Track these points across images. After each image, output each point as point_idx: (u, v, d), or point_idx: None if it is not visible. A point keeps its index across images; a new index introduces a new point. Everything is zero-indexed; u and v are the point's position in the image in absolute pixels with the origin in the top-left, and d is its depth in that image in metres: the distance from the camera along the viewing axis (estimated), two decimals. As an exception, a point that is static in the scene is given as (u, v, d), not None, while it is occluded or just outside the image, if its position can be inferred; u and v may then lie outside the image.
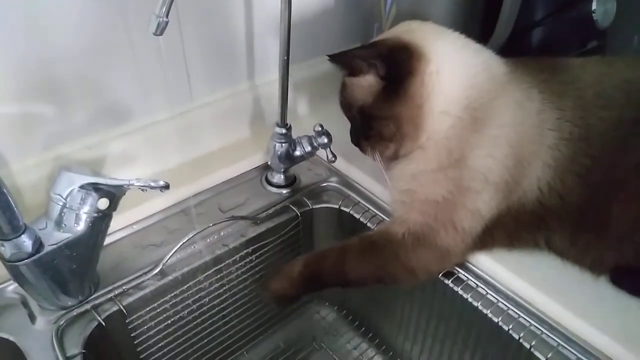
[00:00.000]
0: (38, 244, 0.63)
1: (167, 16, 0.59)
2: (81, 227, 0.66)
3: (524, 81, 0.72)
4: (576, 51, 0.99)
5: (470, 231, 0.72)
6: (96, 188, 0.65)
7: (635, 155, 0.67)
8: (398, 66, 0.70)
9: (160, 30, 0.60)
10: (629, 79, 0.71)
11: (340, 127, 0.89)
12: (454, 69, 0.71)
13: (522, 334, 0.69)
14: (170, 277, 0.76)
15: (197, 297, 0.81)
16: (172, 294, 0.77)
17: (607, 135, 0.68)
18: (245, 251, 0.84)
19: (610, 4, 0.99)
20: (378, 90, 0.72)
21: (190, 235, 0.78)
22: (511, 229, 0.73)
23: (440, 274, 0.76)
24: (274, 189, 0.92)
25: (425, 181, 0.73)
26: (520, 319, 0.71)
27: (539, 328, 0.70)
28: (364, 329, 1.02)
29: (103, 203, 0.67)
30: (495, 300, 0.73)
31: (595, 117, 0.68)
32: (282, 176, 0.92)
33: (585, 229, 0.70)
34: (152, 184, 0.64)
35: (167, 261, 0.76)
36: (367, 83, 0.73)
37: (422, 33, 0.74)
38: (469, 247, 0.73)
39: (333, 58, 0.73)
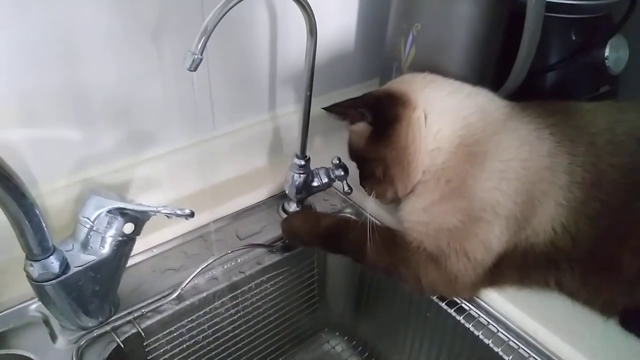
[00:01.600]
0: (64, 265, 0.65)
1: (201, 54, 0.63)
2: (106, 250, 0.68)
3: (532, 122, 0.74)
4: (588, 95, 1.01)
5: (481, 262, 0.73)
6: (122, 213, 0.68)
7: (645, 202, 0.69)
8: (384, 113, 0.78)
9: (195, 66, 0.63)
10: (638, 126, 0.73)
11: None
12: (442, 112, 0.77)
13: (532, 374, 0.70)
14: (187, 302, 0.78)
15: (212, 322, 0.82)
16: (189, 319, 0.79)
17: (618, 181, 0.69)
18: (260, 279, 0.86)
19: (623, 51, 1.02)
20: (368, 135, 0.80)
21: (209, 262, 0.80)
22: (521, 267, 0.74)
23: (452, 308, 0.78)
24: (290, 218, 0.94)
25: (437, 213, 0.76)
26: (531, 359, 0.72)
27: (549, 368, 0.71)
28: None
29: (129, 227, 0.69)
30: (505, 339, 0.74)
31: (606, 163, 0.70)
32: (298, 206, 0.94)
33: (596, 271, 0.71)
34: (179, 212, 0.67)
35: (185, 286, 0.78)
36: (359, 129, 0.81)
37: (411, 83, 0.81)
38: (480, 280, 0.75)
39: (329, 109, 0.80)
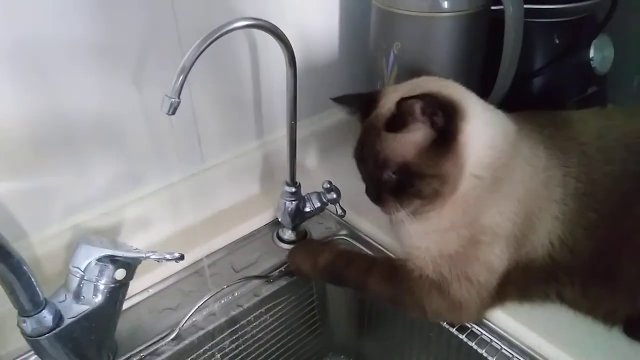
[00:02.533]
0: (58, 318, 0.64)
1: (178, 97, 0.62)
2: (99, 298, 0.67)
3: (531, 138, 0.73)
4: (576, 97, 1.01)
5: (486, 285, 0.72)
6: (113, 260, 0.67)
7: (639, 208, 0.68)
8: (452, 121, 0.68)
9: (173, 110, 0.63)
10: (628, 131, 0.72)
11: (348, 180, 0.91)
12: (482, 129, 0.71)
13: (539, 390, 0.69)
14: (186, 342, 0.77)
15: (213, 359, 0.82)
16: (189, 358, 0.78)
17: (611, 190, 0.69)
18: (259, 311, 0.85)
19: (608, 50, 1.02)
20: (426, 146, 0.68)
21: (205, 299, 0.80)
22: (521, 283, 0.73)
23: (454, 327, 0.77)
24: (285, 246, 0.93)
25: (438, 239, 0.73)
26: (536, 374, 0.71)
27: (555, 383, 0.70)
28: (380, 380, 1.02)
29: (120, 274, 0.68)
30: (510, 355, 0.73)
31: (599, 172, 0.70)
32: (292, 232, 0.93)
33: (596, 281, 0.70)
34: (168, 257, 0.66)
35: (183, 325, 0.77)
36: (413, 138, 0.69)
37: (456, 90, 0.73)
38: (486, 303, 0.74)
39: (404, 101, 0.67)
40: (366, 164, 0.74)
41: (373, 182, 0.74)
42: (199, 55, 0.63)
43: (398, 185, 0.71)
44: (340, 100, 0.80)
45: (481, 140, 0.70)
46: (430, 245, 0.74)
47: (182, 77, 0.63)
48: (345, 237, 0.95)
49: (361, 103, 0.78)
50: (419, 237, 0.75)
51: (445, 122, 0.67)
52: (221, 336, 0.81)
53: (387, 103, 0.73)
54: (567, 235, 0.70)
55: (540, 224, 0.71)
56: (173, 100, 0.62)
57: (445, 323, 0.78)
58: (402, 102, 0.67)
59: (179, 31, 0.78)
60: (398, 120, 0.69)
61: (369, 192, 0.75)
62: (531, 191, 0.71)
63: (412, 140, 0.69)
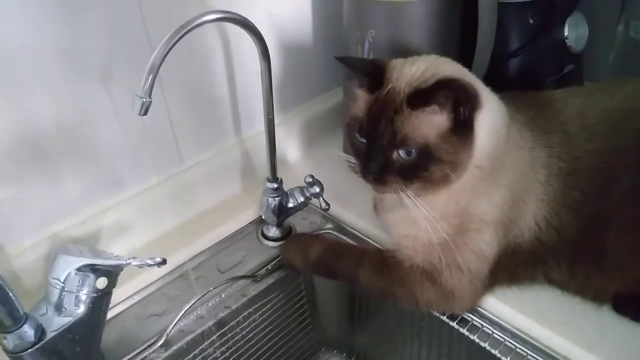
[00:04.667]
0: (40, 332, 0.63)
1: (149, 96, 0.60)
2: (82, 309, 0.65)
3: (517, 120, 0.73)
4: (553, 77, 1.00)
5: (477, 273, 0.72)
6: (93, 268, 0.65)
7: (622, 184, 0.68)
8: (472, 106, 0.65)
9: (145, 110, 0.61)
10: (607, 107, 0.72)
11: (331, 172, 0.90)
12: (488, 117, 0.68)
13: (533, 372, 0.69)
14: (175, 347, 0.76)
15: (203, 364, 0.80)
16: (179, 365, 0.77)
17: (594, 167, 0.69)
18: (248, 311, 0.83)
19: (582, 28, 1.01)
20: (445, 130, 0.65)
21: (192, 302, 0.78)
22: (509, 267, 0.73)
23: (445, 315, 0.77)
24: (270, 243, 0.91)
25: (426, 227, 0.70)
26: (529, 357, 0.71)
27: (549, 364, 0.70)
28: (374, 372, 1.02)
29: (102, 282, 0.67)
30: (502, 340, 0.73)
31: (581, 150, 0.70)
32: (277, 229, 0.92)
33: (583, 261, 0.70)
34: (150, 262, 0.64)
35: (170, 331, 0.75)
36: (438, 121, 0.65)
37: (469, 75, 0.70)
38: (478, 291, 0.73)
39: (427, 92, 0.64)
40: (377, 139, 0.66)
41: (378, 160, 0.67)
42: (168, 52, 0.61)
43: (409, 166, 0.66)
44: (344, 60, 0.73)
45: (486, 129, 0.67)
46: (419, 234, 0.73)
47: (151, 75, 0.61)
48: (331, 231, 0.94)
49: (368, 68, 0.71)
50: (407, 225, 0.74)
51: (469, 111, 0.65)
52: (210, 339, 0.80)
53: (404, 77, 0.67)
54: (552, 216, 0.70)
55: (526, 206, 0.70)
56: (144, 100, 0.60)
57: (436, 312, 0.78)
58: (442, 83, 0.64)
59: (147, 29, 0.76)
60: (424, 99, 0.64)
61: (368, 169, 0.68)
62: (519, 175, 0.70)
63: (436, 122, 0.65)
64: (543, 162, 0.70)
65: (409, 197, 0.67)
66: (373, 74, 0.69)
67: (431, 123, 0.65)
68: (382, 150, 0.66)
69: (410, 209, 0.69)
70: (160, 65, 0.61)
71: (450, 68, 0.69)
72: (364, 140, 0.68)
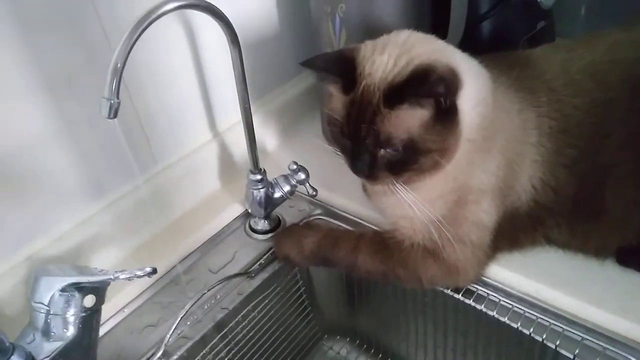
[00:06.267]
0: (30, 361, 0.59)
1: (117, 97, 0.56)
2: (71, 331, 0.61)
3: (501, 82, 0.70)
4: (527, 34, 0.99)
5: (479, 244, 0.70)
6: (78, 287, 0.61)
7: (615, 136, 0.67)
8: (453, 93, 0.62)
9: (114, 112, 0.56)
10: (590, 61, 0.71)
11: (313, 156, 0.87)
12: (471, 89, 0.65)
13: (544, 335, 0.68)
14: (175, 356, 0.73)
15: (206, 369, 0.77)
16: (181, 374, 0.73)
17: (584, 122, 0.68)
18: (246, 309, 0.81)
19: (551, -17, 1.00)
20: (428, 120, 0.62)
21: (187, 308, 0.74)
22: (509, 233, 0.72)
23: (449, 288, 0.75)
24: (260, 237, 0.88)
25: (426, 207, 0.68)
26: (539, 320, 0.70)
27: (559, 326, 0.69)
28: (381, 355, 1.00)
29: (89, 300, 0.62)
30: (509, 306, 0.72)
31: (569, 107, 0.68)
32: (265, 222, 0.88)
33: (582, 218, 0.70)
34: (139, 273, 0.60)
35: (168, 341, 0.72)
36: (419, 113, 0.62)
37: (447, 52, 0.67)
38: (482, 262, 0.72)
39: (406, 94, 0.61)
40: (361, 143, 0.65)
41: (365, 160, 0.66)
42: (130, 49, 0.56)
43: (398, 161, 0.65)
44: (310, 64, 0.69)
45: (472, 102, 0.65)
46: (416, 214, 0.70)
47: (116, 77, 0.56)
48: (321, 217, 0.91)
49: (338, 66, 0.67)
50: (404, 207, 0.70)
51: (451, 96, 0.62)
52: (212, 343, 0.77)
53: (376, 70, 0.63)
54: (548, 176, 0.69)
55: (521, 170, 0.69)
56: (112, 101, 0.55)
57: (438, 286, 0.76)
58: (417, 76, 0.61)
59: (104, 27, 0.71)
60: (401, 98, 0.62)
61: (358, 168, 0.67)
62: (510, 139, 0.68)
63: (417, 115, 0.62)
64: (533, 123, 0.69)
65: (400, 189, 0.67)
66: (344, 73, 0.66)
67: (413, 116, 0.62)
68: (368, 150, 0.65)
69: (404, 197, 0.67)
70: (124, 64, 0.56)
71: (424, 49, 0.65)
72: (348, 141, 0.67)
